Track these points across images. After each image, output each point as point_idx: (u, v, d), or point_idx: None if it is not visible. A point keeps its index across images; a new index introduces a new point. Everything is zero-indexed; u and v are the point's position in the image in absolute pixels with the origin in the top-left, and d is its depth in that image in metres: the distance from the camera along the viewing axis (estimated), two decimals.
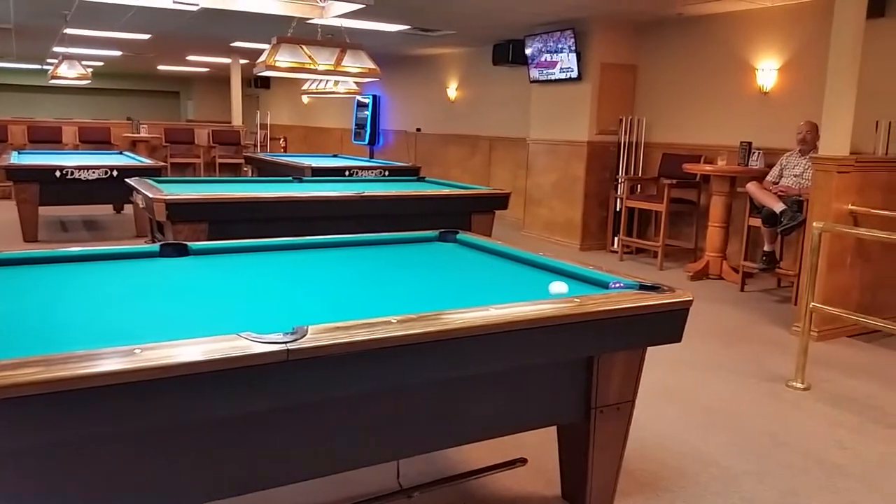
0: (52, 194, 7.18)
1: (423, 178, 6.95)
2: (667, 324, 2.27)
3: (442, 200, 5.34)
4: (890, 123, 5.14)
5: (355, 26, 7.90)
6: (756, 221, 5.79)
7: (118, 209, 9.31)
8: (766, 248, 5.78)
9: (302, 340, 1.64)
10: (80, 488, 1.57)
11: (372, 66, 5.84)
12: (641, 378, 2.38)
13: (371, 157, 12.04)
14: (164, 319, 1.97)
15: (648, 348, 2.35)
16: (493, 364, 2.01)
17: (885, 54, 5.43)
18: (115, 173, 7.29)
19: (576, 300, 2.13)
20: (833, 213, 4.57)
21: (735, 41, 6.73)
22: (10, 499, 1.50)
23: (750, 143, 6.24)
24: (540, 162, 8.32)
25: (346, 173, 7.51)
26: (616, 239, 7.54)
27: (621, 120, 7.68)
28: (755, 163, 6.18)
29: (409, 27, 8.44)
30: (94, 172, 7.28)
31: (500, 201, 5.46)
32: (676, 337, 2.31)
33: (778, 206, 5.47)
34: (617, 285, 2.37)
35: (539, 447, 2.81)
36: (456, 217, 4.93)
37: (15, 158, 7.81)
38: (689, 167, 6.52)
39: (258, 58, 5.83)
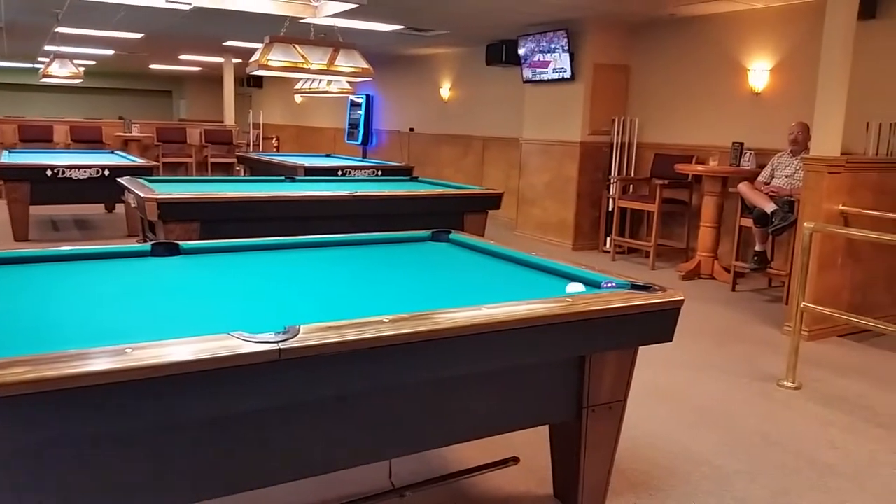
0: (43, 193, 7.14)
1: (416, 177, 6.94)
2: (658, 323, 2.27)
3: (435, 200, 5.34)
4: (881, 124, 5.17)
5: (348, 26, 7.89)
6: (747, 221, 5.81)
7: (110, 208, 9.27)
8: (757, 248, 5.80)
9: (294, 340, 1.63)
10: (71, 488, 1.56)
11: (365, 65, 5.84)
12: (633, 377, 2.39)
13: (364, 156, 12.03)
14: (155, 319, 1.97)
15: (640, 348, 2.35)
16: (485, 363, 2.01)
17: (876, 55, 5.46)
18: (106, 172, 7.25)
19: (567, 300, 2.14)
20: (824, 213, 4.60)
21: (727, 42, 6.76)
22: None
23: (742, 144, 6.26)
24: (533, 162, 8.33)
25: (339, 173, 7.50)
26: (608, 239, 7.56)
27: (614, 120, 7.70)
28: (747, 163, 6.21)
29: (402, 27, 8.43)
30: (85, 172, 7.24)
31: (493, 201, 5.46)
32: (668, 336, 2.31)
33: (769, 207, 5.49)
34: (609, 285, 2.37)
35: (531, 446, 2.81)
36: (449, 217, 4.93)
37: (6, 157, 7.78)
38: (680, 167, 6.54)
39: (251, 57, 5.82)
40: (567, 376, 2.27)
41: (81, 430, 1.49)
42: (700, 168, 6.44)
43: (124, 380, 1.45)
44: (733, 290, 6.07)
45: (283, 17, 6.68)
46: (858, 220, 4.65)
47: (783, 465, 2.95)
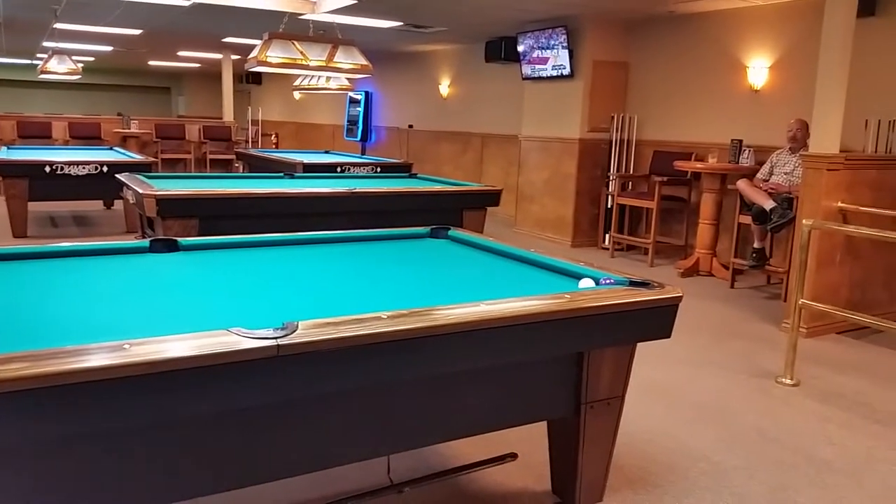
0: (41, 190, 7.13)
1: (415, 174, 6.94)
2: (656, 320, 2.28)
3: (434, 197, 5.34)
4: (879, 121, 5.17)
5: (347, 22, 7.88)
6: (746, 219, 5.81)
7: (108, 205, 9.27)
8: (755, 245, 5.80)
9: (292, 336, 1.63)
10: (68, 484, 1.56)
11: (364, 62, 5.84)
12: (631, 374, 2.39)
13: (363, 153, 12.02)
14: (153, 315, 1.97)
15: (639, 344, 2.36)
16: (484, 360, 2.01)
17: (874, 53, 5.46)
18: (105, 169, 7.25)
19: (566, 296, 2.14)
20: (822, 210, 4.60)
21: (726, 39, 6.76)
22: None
23: (741, 141, 6.27)
24: (532, 159, 8.33)
25: (338, 169, 7.50)
26: (607, 236, 7.56)
27: (613, 117, 7.70)
28: (745, 160, 6.21)
29: (401, 23, 8.42)
30: (84, 168, 7.24)
31: (492, 198, 5.46)
32: (666, 333, 2.32)
33: (768, 204, 5.50)
34: (607, 281, 2.37)
35: (529, 442, 2.81)
36: (448, 213, 4.92)
37: (4, 154, 7.77)
38: (679, 164, 6.54)
39: (250, 53, 5.82)
40: (565, 372, 2.27)
41: (79, 426, 1.49)
42: (699, 165, 6.44)
43: (122, 376, 1.45)
44: (732, 286, 6.07)
45: (281, 14, 6.68)
46: (857, 217, 4.66)
47: (781, 461, 2.95)
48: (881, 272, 5.03)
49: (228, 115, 12.92)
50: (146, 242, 2.75)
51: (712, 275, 6.39)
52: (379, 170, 7.67)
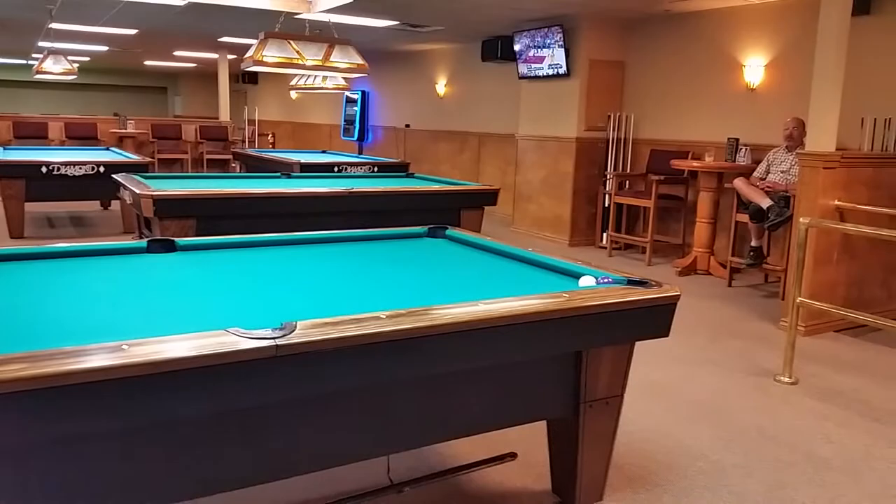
0: (38, 190, 7.12)
1: (412, 174, 6.94)
2: (654, 319, 2.28)
3: (431, 196, 5.34)
4: (875, 120, 5.18)
5: (343, 21, 7.87)
6: (743, 217, 5.82)
7: (105, 205, 9.25)
8: (753, 243, 5.81)
9: (290, 336, 1.63)
10: (68, 485, 1.56)
11: (360, 61, 5.83)
12: (630, 373, 2.39)
13: (360, 153, 12.01)
14: (151, 315, 1.96)
15: (637, 343, 2.36)
16: (483, 359, 2.01)
17: (870, 51, 5.47)
18: (101, 169, 7.23)
19: (564, 295, 2.14)
20: (819, 208, 4.61)
21: (722, 38, 6.76)
22: None
23: (737, 140, 6.27)
24: (529, 158, 8.33)
25: (335, 169, 7.50)
26: (605, 235, 7.57)
27: (609, 116, 7.70)
28: (742, 159, 6.21)
29: (397, 23, 8.42)
30: (80, 168, 7.22)
31: (490, 197, 5.46)
32: (664, 332, 2.32)
33: (765, 202, 5.50)
34: (605, 280, 2.37)
35: (528, 442, 2.81)
36: (445, 213, 4.93)
37: (0, 154, 7.75)
38: (676, 163, 6.55)
39: (246, 53, 5.80)
40: (564, 372, 2.27)
41: (78, 427, 1.49)
42: (696, 164, 6.44)
43: (121, 376, 1.45)
44: (729, 285, 6.08)
45: (277, 13, 6.67)
46: (854, 216, 4.66)
47: (779, 459, 2.96)
48: (878, 270, 5.04)
49: (225, 114, 12.90)
50: (143, 243, 2.75)
51: (710, 273, 6.40)
52: (376, 169, 7.67)
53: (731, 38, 6.69)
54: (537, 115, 8.18)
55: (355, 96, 12.71)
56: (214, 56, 12.72)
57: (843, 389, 3.80)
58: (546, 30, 7.67)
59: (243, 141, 13.86)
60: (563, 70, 7.60)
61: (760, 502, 2.61)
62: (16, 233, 7.11)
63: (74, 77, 9.77)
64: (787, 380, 3.85)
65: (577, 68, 7.57)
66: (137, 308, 2.03)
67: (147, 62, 15.36)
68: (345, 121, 13.15)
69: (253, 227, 3.42)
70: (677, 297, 2.28)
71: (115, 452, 1.59)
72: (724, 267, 6.19)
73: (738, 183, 5.80)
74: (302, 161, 7.50)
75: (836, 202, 4.68)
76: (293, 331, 1.65)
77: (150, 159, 8.34)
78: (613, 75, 7.77)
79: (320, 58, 5.55)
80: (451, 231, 3.28)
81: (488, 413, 2.18)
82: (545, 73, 7.85)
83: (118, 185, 4.89)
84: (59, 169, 7.14)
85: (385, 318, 1.80)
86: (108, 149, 9.60)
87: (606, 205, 7.55)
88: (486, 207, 5.48)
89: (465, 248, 3.09)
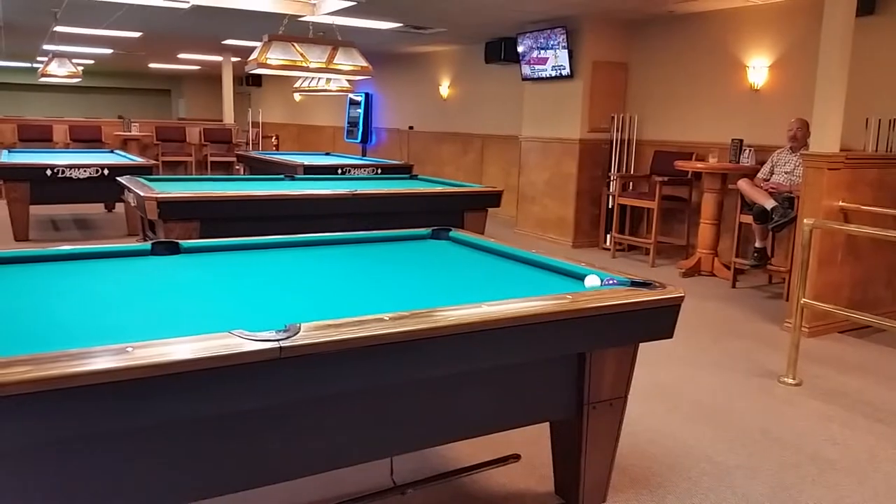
0: (42, 193, 7.14)
1: (416, 175, 6.94)
2: (658, 320, 2.28)
3: (434, 198, 5.34)
4: (880, 120, 5.17)
5: (347, 24, 7.89)
6: (747, 218, 5.81)
7: (110, 208, 9.27)
8: (757, 244, 5.80)
9: (294, 338, 1.63)
10: (71, 486, 1.56)
11: (364, 63, 5.84)
12: (634, 374, 2.39)
13: (363, 155, 12.02)
14: (156, 317, 1.97)
15: (641, 344, 2.36)
16: (486, 361, 2.01)
17: (874, 52, 5.46)
18: (106, 172, 7.25)
19: (568, 297, 2.14)
20: (823, 209, 4.60)
21: (726, 39, 6.76)
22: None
23: (741, 141, 6.27)
24: (532, 159, 8.33)
25: (339, 171, 7.50)
26: (608, 236, 7.56)
27: (613, 117, 7.70)
28: (746, 160, 6.21)
29: (401, 25, 8.43)
30: (85, 171, 7.24)
31: (493, 199, 5.46)
32: (668, 333, 2.32)
33: (769, 203, 5.49)
34: (609, 282, 2.37)
35: (532, 443, 2.81)
36: (449, 215, 4.92)
37: (5, 157, 7.77)
38: (680, 164, 6.54)
39: (250, 55, 5.82)
40: (568, 373, 2.27)
41: (83, 429, 1.49)
42: (700, 165, 6.44)
43: (125, 378, 1.45)
44: (733, 286, 6.07)
45: (281, 15, 6.68)
46: (858, 217, 4.65)
47: (783, 460, 2.95)
48: (883, 271, 5.03)
49: (229, 117, 12.92)
50: (148, 245, 2.75)
51: (714, 275, 6.39)
52: (380, 171, 7.67)
53: (734, 39, 6.68)
54: (541, 117, 8.18)
55: (359, 98, 12.73)
56: (218, 59, 12.75)
57: (848, 391, 3.79)
58: (549, 31, 7.67)
59: (247, 143, 13.88)
60: (566, 71, 7.60)
61: None
62: (20, 235, 7.13)
63: (79, 80, 9.81)
64: (791, 381, 3.84)
65: (581, 70, 7.57)
66: (142, 310, 2.04)
67: (151, 65, 15.40)
68: (348, 123, 13.17)
69: (257, 229, 3.42)
70: (681, 299, 2.28)
71: (118, 454, 1.60)
72: (728, 268, 6.18)
73: (742, 184, 5.79)
74: (305, 163, 7.51)
75: (841, 203, 4.67)
76: (297, 333, 1.66)
77: (154, 162, 8.37)
78: (617, 76, 7.77)
79: (324, 60, 5.56)
80: (454, 233, 3.29)
81: (492, 415, 2.18)
82: (548, 75, 7.85)
83: (122, 187, 4.91)
84: (63, 172, 7.16)
85: (389, 320, 1.80)
86: (112, 151, 9.63)
87: (610, 206, 7.54)
88: (489, 209, 5.48)
89: (469, 249, 3.09)
